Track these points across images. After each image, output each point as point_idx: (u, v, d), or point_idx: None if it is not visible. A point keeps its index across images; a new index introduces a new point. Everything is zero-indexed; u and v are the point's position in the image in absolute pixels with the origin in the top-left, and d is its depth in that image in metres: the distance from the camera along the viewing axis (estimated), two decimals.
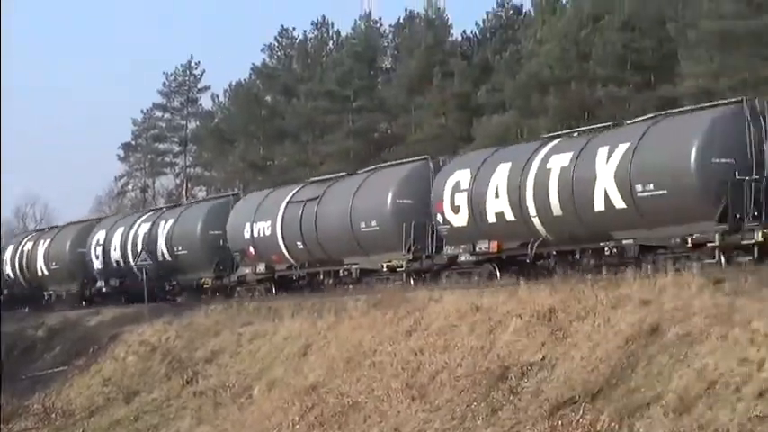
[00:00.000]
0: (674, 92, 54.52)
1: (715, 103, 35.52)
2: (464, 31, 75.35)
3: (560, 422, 24.35)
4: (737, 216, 31.86)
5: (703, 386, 22.74)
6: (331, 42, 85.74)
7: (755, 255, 31.44)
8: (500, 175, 38.19)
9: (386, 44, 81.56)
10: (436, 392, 28.56)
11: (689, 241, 32.71)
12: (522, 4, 72.37)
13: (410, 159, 46.20)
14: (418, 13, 77.31)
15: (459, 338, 29.91)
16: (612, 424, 23.45)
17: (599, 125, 38.46)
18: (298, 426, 31.14)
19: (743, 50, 52.63)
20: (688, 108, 36.85)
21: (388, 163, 48.62)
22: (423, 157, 44.77)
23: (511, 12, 72.77)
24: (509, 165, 38.15)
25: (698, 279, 26.74)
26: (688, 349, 24.00)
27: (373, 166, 48.37)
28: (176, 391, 38.54)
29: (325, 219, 45.83)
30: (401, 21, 79.45)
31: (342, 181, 47.37)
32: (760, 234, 31.19)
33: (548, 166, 36.64)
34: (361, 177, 46.27)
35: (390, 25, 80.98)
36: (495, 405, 26.57)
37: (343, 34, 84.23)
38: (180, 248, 54.16)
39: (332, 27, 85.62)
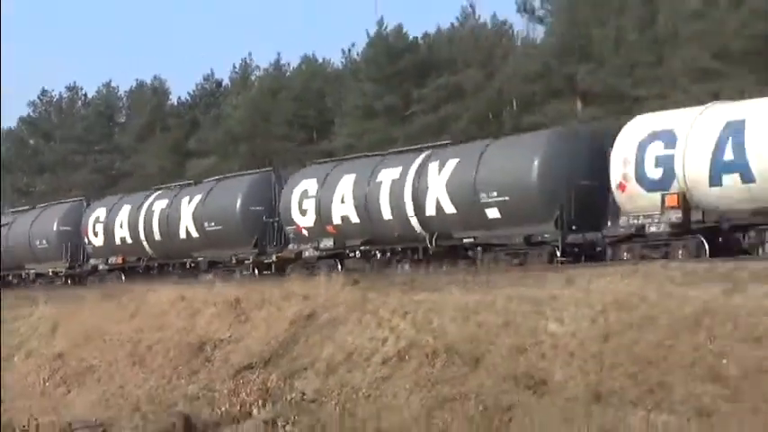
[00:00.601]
0: (331, 146, 54.95)
1: (254, 171, 40.85)
2: (179, 97, 74.60)
3: (242, 381, 24.37)
4: (264, 243, 36.40)
5: (344, 356, 23.08)
6: (80, 101, 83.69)
7: (273, 269, 35.81)
8: (123, 213, 43.10)
9: (121, 104, 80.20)
10: (152, 359, 28.20)
11: (234, 259, 37.53)
12: (222, 79, 72.16)
13: (70, 200, 50.93)
14: (145, 82, 76.54)
15: (170, 320, 29.63)
16: (279, 382, 23.59)
17: (185, 182, 43.92)
18: (48, 383, 30.38)
19: (380, 118, 53.47)
20: (239, 173, 41.57)
21: (55, 202, 52.24)
22: (78, 197, 50.33)
23: (214, 84, 72.38)
24: (129, 206, 43.09)
25: (342, 279, 27.12)
26: (334, 330, 24.32)
27: (46, 204, 52.39)
28: None
29: (15, 237, 49.62)
30: (133, 87, 78.52)
31: (27, 212, 52.00)
32: (275, 256, 35.84)
33: (153, 208, 41.58)
34: (39, 210, 50.68)
35: (125, 90, 79.82)
36: (194, 369, 26.43)
37: (89, 96, 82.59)
38: None
39: (81, 90, 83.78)
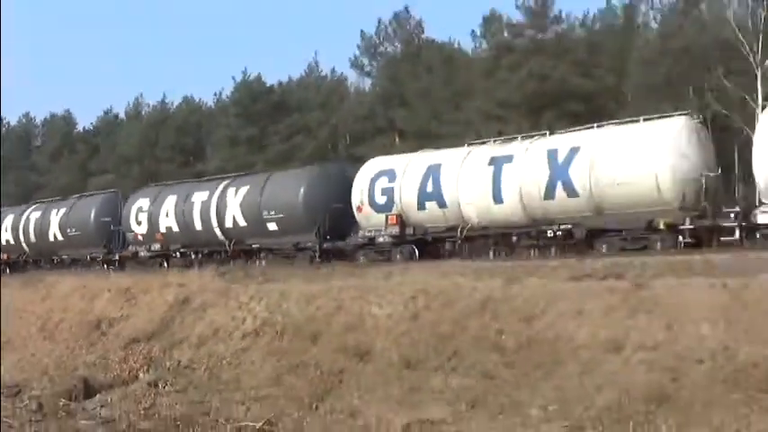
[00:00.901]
0: (204, 168, 54.12)
1: (104, 191, 41.78)
2: (84, 126, 72.87)
3: (130, 351, 23.93)
4: (111, 246, 37.27)
5: (212, 332, 22.83)
6: (4, 128, 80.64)
7: (117, 265, 36.46)
8: (7, 221, 43.42)
9: (37, 131, 77.78)
10: (59, 334, 27.53)
11: (89, 257, 38.01)
12: (119, 113, 70.61)
13: None
14: (57, 113, 74.67)
15: (74, 303, 28.95)
16: (160, 353, 23.24)
17: (54, 198, 44.81)
18: None
19: (243, 146, 53.01)
20: (94, 192, 42.66)
21: None
22: None
23: (113, 116, 70.51)
24: (12, 215, 43.67)
25: (212, 272, 26.90)
26: (204, 311, 24.06)
27: None
28: None
29: None
30: (47, 117, 76.44)
31: None
32: (118, 256, 36.71)
33: (30, 217, 42.39)
34: None
35: (41, 120, 77.65)
36: (93, 341, 25.90)
37: (12, 123, 79.54)
38: None
39: (5, 119, 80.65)
